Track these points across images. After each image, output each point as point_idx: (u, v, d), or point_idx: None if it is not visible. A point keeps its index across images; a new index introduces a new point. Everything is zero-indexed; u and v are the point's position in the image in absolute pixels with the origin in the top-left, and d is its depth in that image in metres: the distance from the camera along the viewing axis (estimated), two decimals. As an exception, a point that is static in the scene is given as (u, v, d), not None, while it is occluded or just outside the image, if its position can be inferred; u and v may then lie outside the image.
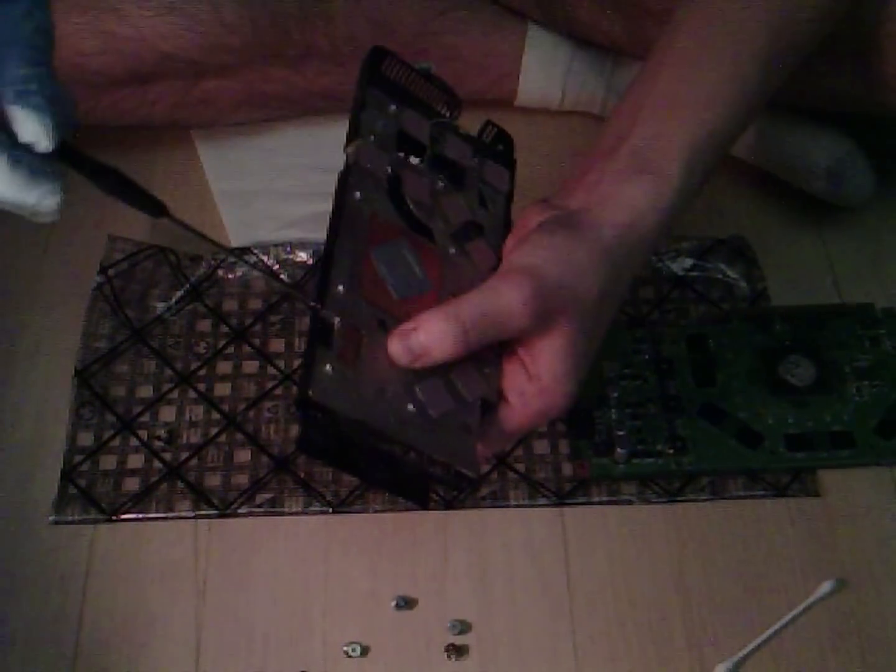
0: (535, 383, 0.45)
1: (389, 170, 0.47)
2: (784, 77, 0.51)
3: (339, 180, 0.46)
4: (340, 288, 0.42)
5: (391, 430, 0.41)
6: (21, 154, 0.39)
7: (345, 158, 0.47)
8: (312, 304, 0.42)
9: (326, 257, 0.43)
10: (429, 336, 0.42)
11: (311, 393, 0.39)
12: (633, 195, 0.47)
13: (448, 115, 0.51)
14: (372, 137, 0.47)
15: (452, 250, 0.47)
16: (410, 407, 0.42)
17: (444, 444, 0.43)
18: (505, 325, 0.43)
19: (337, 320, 0.42)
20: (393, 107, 0.49)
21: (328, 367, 0.40)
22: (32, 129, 0.39)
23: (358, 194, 0.45)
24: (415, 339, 0.42)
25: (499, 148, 0.52)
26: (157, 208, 0.43)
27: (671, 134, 0.48)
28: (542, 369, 0.45)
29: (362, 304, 0.43)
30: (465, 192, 0.49)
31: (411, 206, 0.47)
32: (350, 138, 0.47)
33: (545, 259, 0.44)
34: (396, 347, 0.42)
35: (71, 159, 0.41)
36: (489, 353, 0.45)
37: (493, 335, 0.43)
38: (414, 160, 0.49)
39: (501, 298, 0.43)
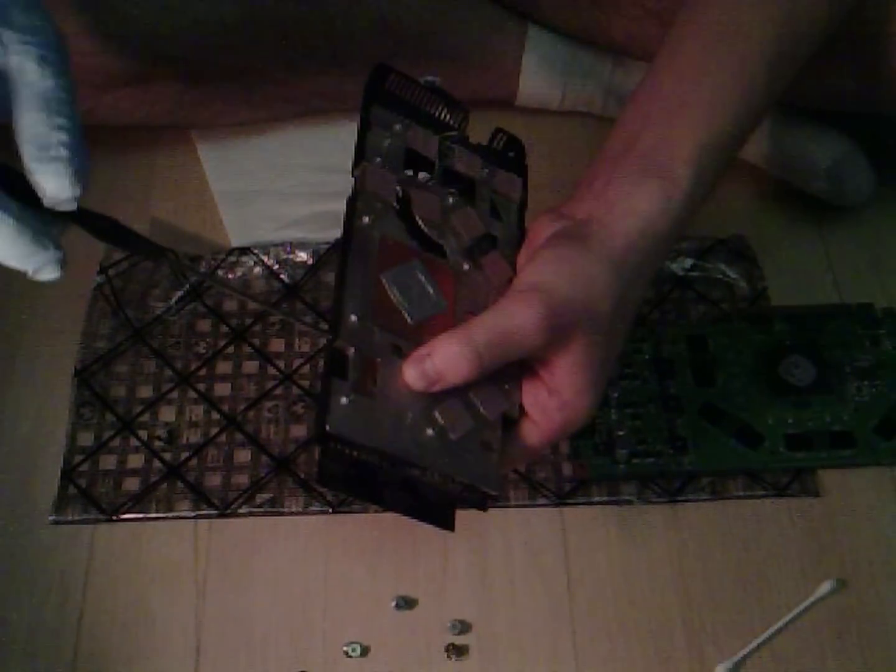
0: (556, 398, 0.44)
1: (398, 190, 0.47)
2: (790, 77, 0.51)
3: (346, 206, 0.45)
4: (353, 318, 0.42)
5: (411, 456, 0.41)
6: (27, 220, 0.40)
7: (352, 182, 0.46)
8: (328, 337, 0.42)
9: (338, 287, 0.43)
10: (443, 360, 0.42)
11: (328, 426, 0.39)
12: (642, 200, 0.46)
13: (456, 127, 0.50)
14: (378, 159, 0.47)
15: (466, 266, 0.47)
16: (430, 431, 0.42)
17: (465, 465, 0.42)
18: (519, 344, 0.43)
19: (351, 350, 0.42)
20: (398, 125, 0.48)
21: (344, 398, 0.40)
22: (54, 187, 0.40)
23: (366, 219, 0.45)
24: (429, 364, 0.42)
25: (510, 155, 0.52)
26: (158, 253, 0.44)
27: (679, 136, 0.47)
28: (562, 384, 0.44)
29: (376, 332, 0.43)
30: (477, 204, 0.49)
31: (422, 225, 0.46)
32: (356, 161, 0.46)
33: (554, 275, 0.44)
34: (411, 373, 0.42)
35: (68, 213, 0.41)
36: (509, 368, 0.44)
37: (507, 356, 0.43)
38: (424, 176, 0.48)
39: (513, 319, 0.42)
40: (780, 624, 0.55)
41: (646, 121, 0.48)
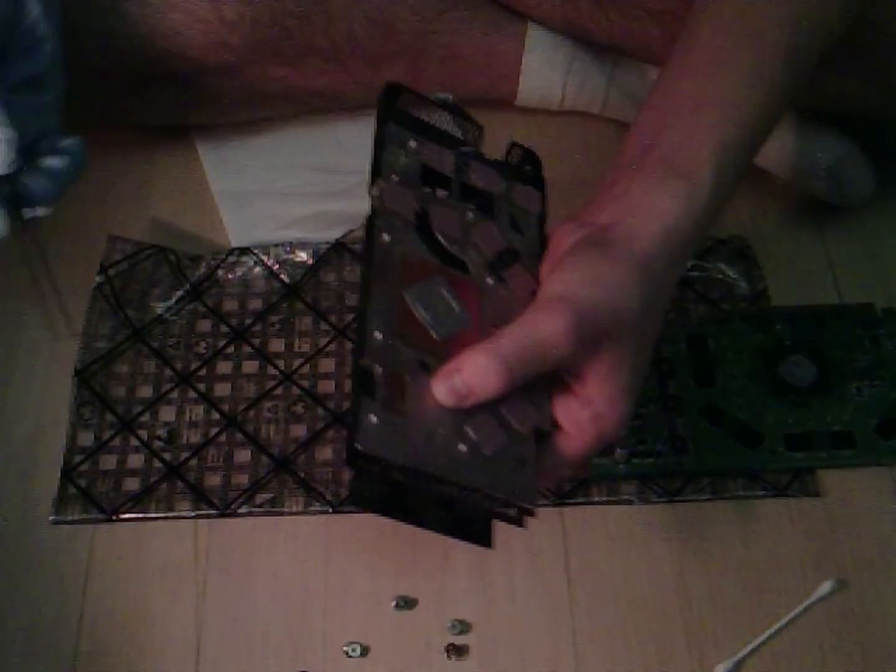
0: (588, 409, 0.44)
1: (417, 207, 0.46)
2: (808, 73, 0.51)
3: (366, 225, 0.45)
4: (378, 335, 0.42)
5: (445, 473, 0.41)
6: None
7: (369, 202, 0.46)
8: (356, 357, 0.41)
9: (362, 306, 0.43)
10: (472, 375, 0.41)
11: (358, 445, 0.39)
12: (665, 202, 0.45)
13: (471, 143, 0.50)
14: (395, 177, 0.46)
15: (489, 280, 0.46)
16: (462, 447, 0.41)
17: (501, 481, 0.42)
18: (548, 356, 0.42)
19: (378, 369, 0.41)
20: (413, 142, 0.48)
21: (373, 417, 0.40)
22: None
23: (386, 237, 0.45)
24: (458, 379, 0.41)
25: (526, 168, 0.51)
26: None
27: (700, 137, 0.47)
28: (593, 394, 0.44)
29: (402, 349, 0.42)
30: (497, 218, 0.48)
31: (442, 241, 0.46)
32: (373, 180, 0.46)
33: (580, 284, 0.43)
34: (440, 389, 0.41)
35: None
36: (539, 381, 0.44)
37: (536, 367, 0.42)
38: (441, 193, 0.48)
39: (541, 330, 0.42)
40: (780, 624, 0.55)
41: (664, 122, 0.48)
